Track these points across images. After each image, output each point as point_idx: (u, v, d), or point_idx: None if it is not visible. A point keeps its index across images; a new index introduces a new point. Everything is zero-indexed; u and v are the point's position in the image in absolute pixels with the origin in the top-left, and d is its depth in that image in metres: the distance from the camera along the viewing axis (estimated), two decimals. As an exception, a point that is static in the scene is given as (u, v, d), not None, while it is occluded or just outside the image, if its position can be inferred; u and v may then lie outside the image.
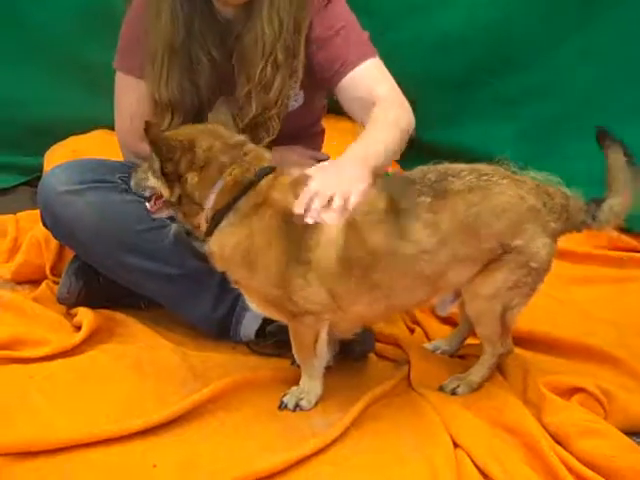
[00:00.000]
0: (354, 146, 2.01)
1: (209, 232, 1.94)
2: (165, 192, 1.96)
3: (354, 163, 1.94)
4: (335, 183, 1.87)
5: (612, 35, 3.06)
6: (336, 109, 2.47)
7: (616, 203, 2.01)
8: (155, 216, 2.05)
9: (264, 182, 1.92)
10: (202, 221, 1.95)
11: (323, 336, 2.01)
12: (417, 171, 2.00)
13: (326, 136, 2.65)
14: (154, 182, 1.98)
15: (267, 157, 1.99)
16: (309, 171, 1.94)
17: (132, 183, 2.06)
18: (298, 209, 1.85)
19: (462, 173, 1.96)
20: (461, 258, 1.94)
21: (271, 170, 1.94)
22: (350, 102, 2.23)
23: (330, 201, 1.84)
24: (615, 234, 2.69)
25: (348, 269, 1.90)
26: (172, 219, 2.09)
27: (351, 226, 1.88)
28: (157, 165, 1.93)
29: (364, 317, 2.05)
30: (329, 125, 2.66)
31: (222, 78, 2.25)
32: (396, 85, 2.22)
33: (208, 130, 1.99)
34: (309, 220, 1.84)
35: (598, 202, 2.02)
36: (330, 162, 2.00)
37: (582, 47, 3.09)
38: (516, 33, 3.11)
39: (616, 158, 1.99)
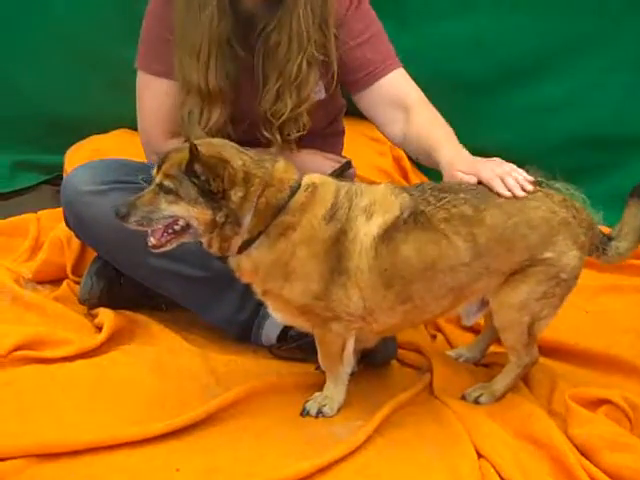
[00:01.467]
0: (456, 146, 2.13)
1: (240, 251, 1.90)
2: (205, 215, 1.84)
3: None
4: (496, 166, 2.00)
5: (637, 48, 3.01)
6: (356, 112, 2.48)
7: (622, 246, 2.07)
8: (160, 250, 1.92)
9: (298, 197, 1.89)
10: (236, 242, 1.89)
11: (350, 344, 2.00)
12: (454, 182, 2.00)
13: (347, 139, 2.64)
14: (180, 209, 1.84)
15: (294, 171, 1.95)
16: (459, 172, 2.01)
17: (133, 220, 1.86)
18: (502, 190, 1.93)
19: None
20: (493, 268, 1.94)
21: (299, 185, 1.92)
22: (378, 106, 2.26)
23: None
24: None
25: (386, 279, 1.89)
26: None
27: (385, 236, 1.88)
28: (191, 188, 1.82)
29: (393, 326, 2.04)
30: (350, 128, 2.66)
31: (242, 72, 2.24)
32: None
33: (223, 144, 1.94)
34: (519, 192, 1.92)
35: (607, 238, 2.07)
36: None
37: (612, 56, 3.04)
38: (543, 41, 3.06)
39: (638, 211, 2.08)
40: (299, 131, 2.26)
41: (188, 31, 2.18)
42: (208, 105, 2.22)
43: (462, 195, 1.94)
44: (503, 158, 2.10)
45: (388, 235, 1.89)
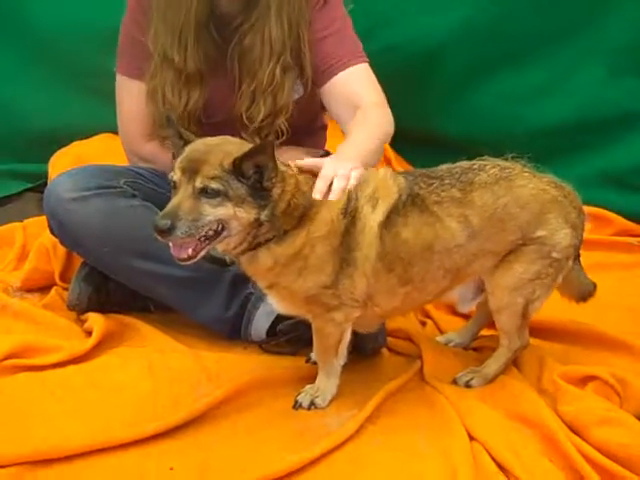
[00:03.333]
0: (344, 148, 2.01)
1: (253, 248, 1.86)
2: (250, 215, 1.78)
3: (349, 159, 1.93)
4: (338, 168, 1.85)
5: (620, 31, 2.99)
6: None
7: (584, 279, 2.17)
8: (190, 262, 1.80)
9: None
10: (261, 239, 1.85)
11: (347, 335, 2.01)
12: (443, 168, 2.02)
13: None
14: (226, 211, 1.75)
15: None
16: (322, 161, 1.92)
17: (179, 233, 1.72)
18: (316, 191, 1.82)
19: (486, 167, 2.00)
20: (488, 249, 1.96)
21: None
22: (335, 102, 2.27)
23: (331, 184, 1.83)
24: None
25: (388, 263, 1.91)
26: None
27: (387, 221, 1.90)
28: (240, 188, 1.75)
29: (394, 309, 2.05)
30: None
31: (219, 64, 2.26)
32: (381, 91, 2.27)
33: (234, 140, 1.88)
34: (317, 196, 1.81)
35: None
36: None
37: (590, 42, 3.02)
38: (522, 28, 3.04)
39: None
40: (278, 138, 2.28)
41: (169, 12, 2.20)
42: (186, 85, 2.24)
43: (447, 181, 1.97)
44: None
45: (390, 220, 1.90)
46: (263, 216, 1.80)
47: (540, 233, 1.98)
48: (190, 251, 1.79)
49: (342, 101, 2.24)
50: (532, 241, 1.98)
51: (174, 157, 1.91)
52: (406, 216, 1.91)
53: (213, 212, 1.76)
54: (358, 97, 2.20)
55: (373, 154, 2.06)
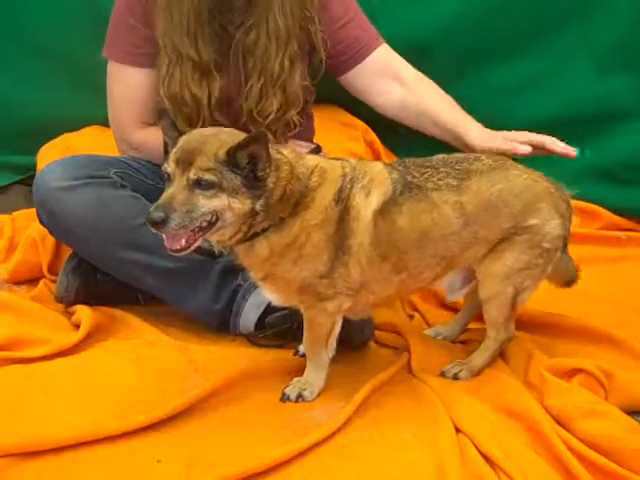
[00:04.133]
0: (475, 125, 2.26)
1: (249, 238, 1.87)
2: (245, 205, 1.78)
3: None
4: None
5: (610, 26, 2.99)
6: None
7: (572, 267, 2.20)
8: (183, 254, 1.81)
9: (311, 181, 1.89)
10: (257, 229, 1.86)
11: (337, 327, 2.02)
12: (437, 157, 2.04)
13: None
14: (220, 202, 1.76)
15: (301, 156, 1.96)
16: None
17: (174, 225, 1.72)
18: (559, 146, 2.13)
19: (481, 157, 2.04)
20: (481, 236, 1.98)
21: (312, 170, 1.92)
22: (369, 79, 2.34)
23: None
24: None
25: (383, 251, 1.92)
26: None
27: (383, 209, 1.91)
28: (234, 179, 1.75)
29: (388, 297, 2.07)
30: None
31: (221, 62, 2.25)
32: None
33: (230, 131, 1.88)
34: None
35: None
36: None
37: (580, 36, 3.02)
38: (511, 22, 3.03)
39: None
40: (290, 130, 2.31)
41: (173, 7, 2.18)
42: (205, 76, 2.23)
43: (443, 169, 1.99)
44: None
45: (385, 208, 1.92)
46: (258, 206, 1.81)
47: (532, 222, 2.00)
48: (183, 242, 1.80)
49: (378, 76, 2.34)
50: (524, 230, 2.00)
51: (165, 147, 1.90)
52: (402, 204, 1.93)
53: (207, 204, 1.76)
54: (395, 70, 2.37)
55: None
